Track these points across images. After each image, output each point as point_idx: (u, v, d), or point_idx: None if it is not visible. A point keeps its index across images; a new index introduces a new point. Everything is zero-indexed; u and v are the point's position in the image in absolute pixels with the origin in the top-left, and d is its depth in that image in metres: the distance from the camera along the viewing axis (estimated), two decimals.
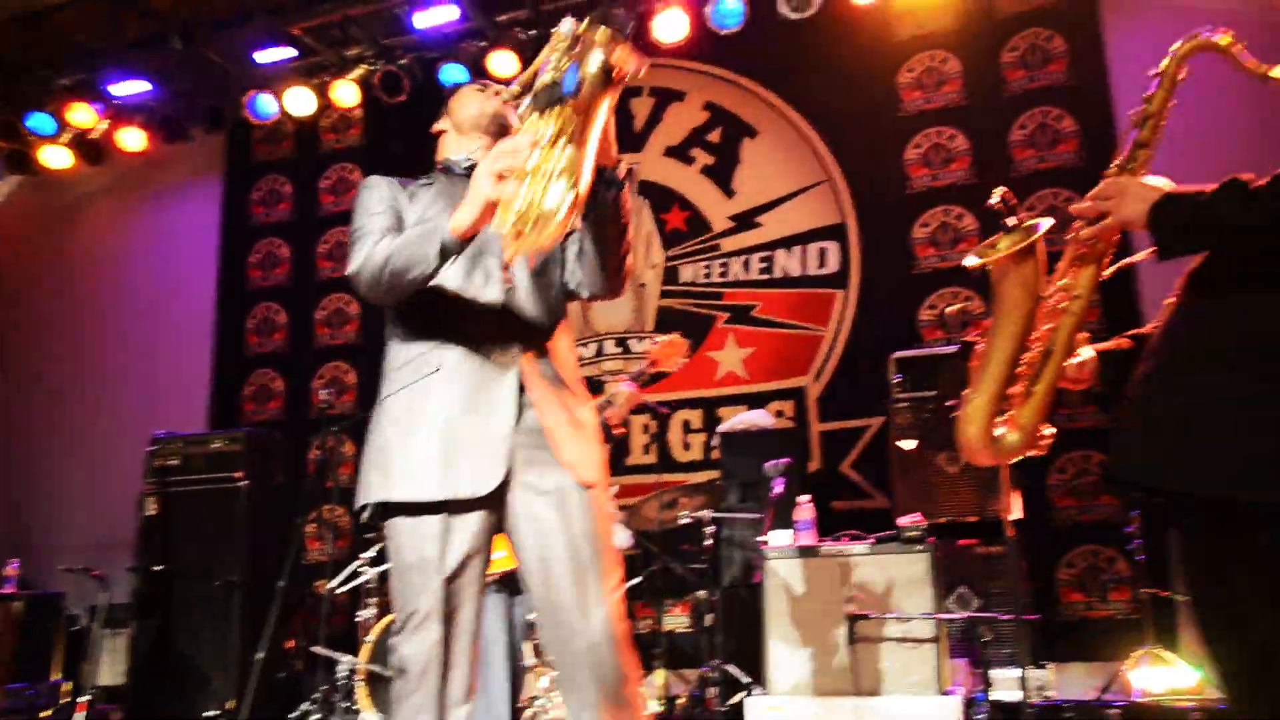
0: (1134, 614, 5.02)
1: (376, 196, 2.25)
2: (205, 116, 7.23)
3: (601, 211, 2.11)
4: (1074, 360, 2.05)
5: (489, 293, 2.19)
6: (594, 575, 2.08)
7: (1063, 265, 2.00)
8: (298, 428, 6.99)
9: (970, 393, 2.03)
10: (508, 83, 2.25)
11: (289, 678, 5.64)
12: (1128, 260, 2.12)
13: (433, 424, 2.10)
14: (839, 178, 6.35)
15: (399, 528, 2.11)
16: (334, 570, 4.97)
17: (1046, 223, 1.94)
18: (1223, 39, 1.91)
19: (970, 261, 2.02)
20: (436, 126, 2.43)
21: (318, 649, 4.79)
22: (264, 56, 6.77)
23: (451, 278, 2.16)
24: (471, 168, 2.15)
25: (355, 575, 4.83)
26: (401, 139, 7.01)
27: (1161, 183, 1.89)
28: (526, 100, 1.93)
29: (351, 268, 2.15)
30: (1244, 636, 1.82)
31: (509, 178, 1.87)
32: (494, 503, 2.11)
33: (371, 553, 4.73)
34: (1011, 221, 1.99)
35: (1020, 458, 2.07)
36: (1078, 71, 5.98)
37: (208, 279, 7.71)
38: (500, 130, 2.31)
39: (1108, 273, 2.00)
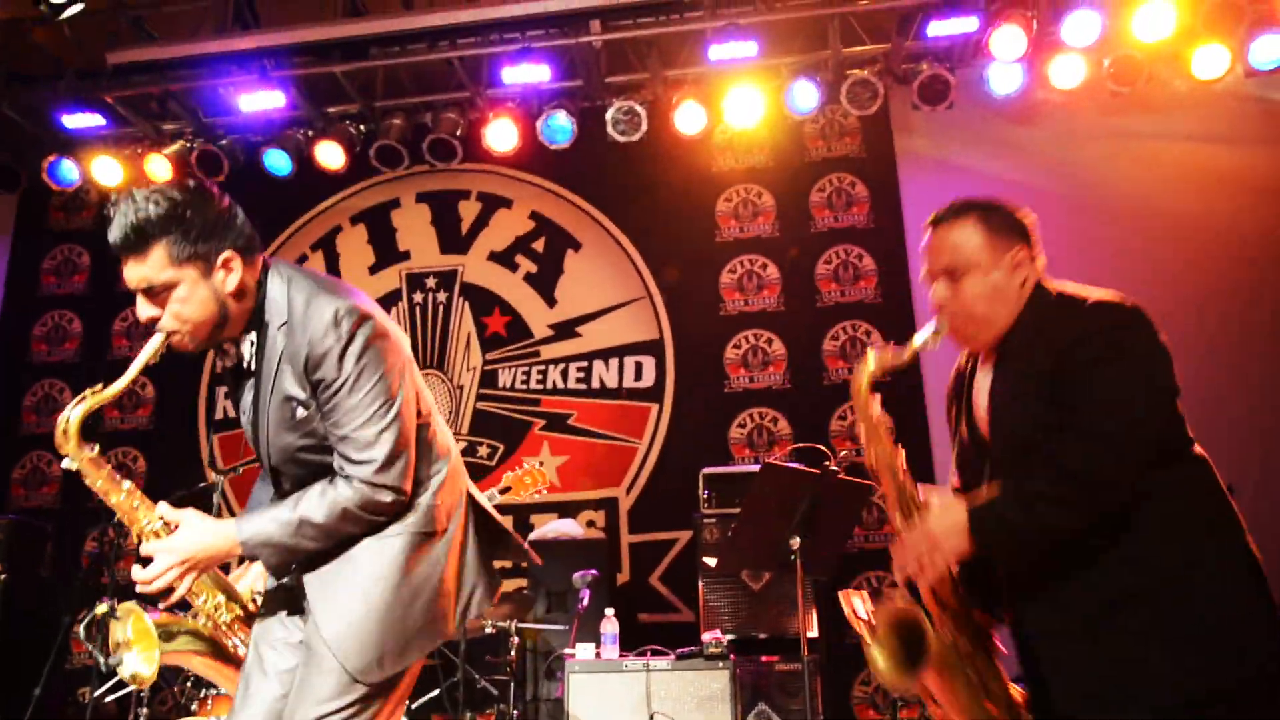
0: None
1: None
2: None
3: None
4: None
5: None
6: None
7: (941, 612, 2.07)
8: (73, 517, 6.46)
9: None
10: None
11: None
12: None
13: None
14: (657, 295, 6.59)
15: None
16: (102, 677, 4.56)
17: (911, 615, 2.01)
18: (867, 366, 2.14)
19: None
20: None
21: None
22: (72, 121, 6.45)
23: None
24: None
25: (125, 683, 4.46)
26: None
27: (937, 500, 2.04)
28: None
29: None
30: None
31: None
32: None
33: None
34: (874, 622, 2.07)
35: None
36: (877, 215, 6.50)
37: None
38: None
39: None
